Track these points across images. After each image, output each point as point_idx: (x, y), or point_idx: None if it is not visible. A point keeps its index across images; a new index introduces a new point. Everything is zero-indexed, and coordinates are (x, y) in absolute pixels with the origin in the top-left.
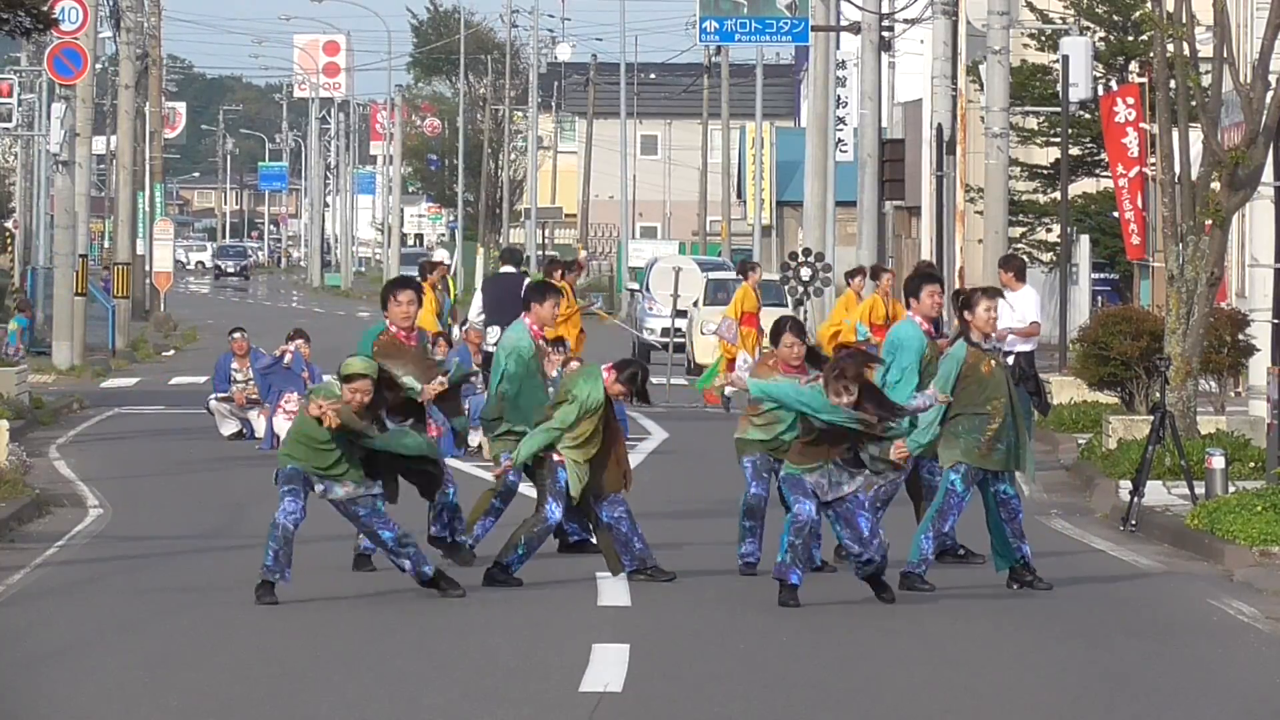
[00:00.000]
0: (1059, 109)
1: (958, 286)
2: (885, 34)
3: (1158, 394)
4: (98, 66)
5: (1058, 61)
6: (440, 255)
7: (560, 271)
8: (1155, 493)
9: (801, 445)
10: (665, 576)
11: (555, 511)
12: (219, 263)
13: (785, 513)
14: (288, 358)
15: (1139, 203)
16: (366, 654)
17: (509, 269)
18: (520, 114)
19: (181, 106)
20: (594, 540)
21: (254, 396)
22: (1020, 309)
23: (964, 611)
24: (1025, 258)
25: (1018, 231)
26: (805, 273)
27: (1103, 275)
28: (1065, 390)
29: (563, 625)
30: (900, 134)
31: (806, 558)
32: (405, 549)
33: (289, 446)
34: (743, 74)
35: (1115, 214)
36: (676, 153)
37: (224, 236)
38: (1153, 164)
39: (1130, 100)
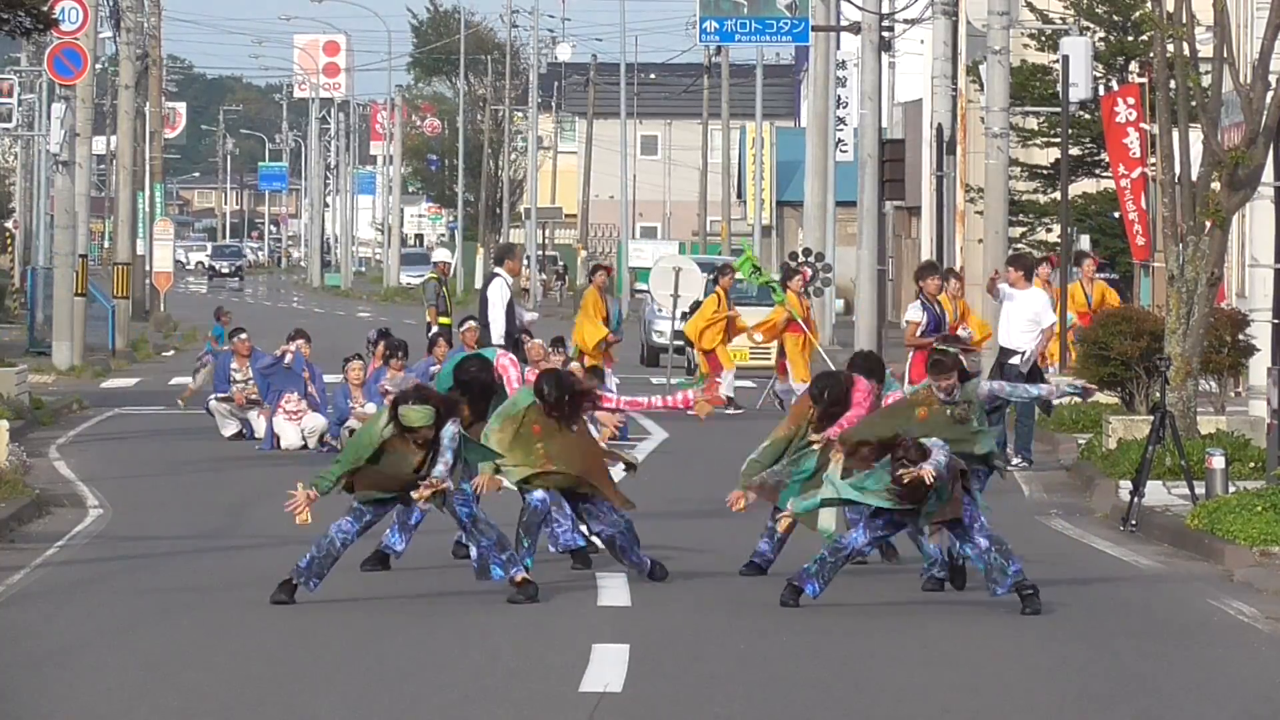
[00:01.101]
0: (1059, 109)
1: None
2: (885, 34)
3: (1158, 394)
4: (98, 66)
5: (1058, 61)
6: (441, 255)
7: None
8: (1155, 493)
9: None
10: (660, 574)
11: (535, 494)
12: (213, 263)
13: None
14: (288, 358)
15: (1141, 203)
16: (366, 654)
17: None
18: (520, 114)
19: (181, 106)
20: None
21: (254, 397)
22: (1032, 309)
23: (964, 612)
24: (1029, 256)
25: (1018, 231)
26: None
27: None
28: None
29: (563, 625)
30: (900, 134)
31: (830, 578)
32: (482, 535)
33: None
34: (743, 74)
35: (1115, 214)
36: (676, 153)
37: (224, 237)
38: (1153, 164)
39: (1130, 100)
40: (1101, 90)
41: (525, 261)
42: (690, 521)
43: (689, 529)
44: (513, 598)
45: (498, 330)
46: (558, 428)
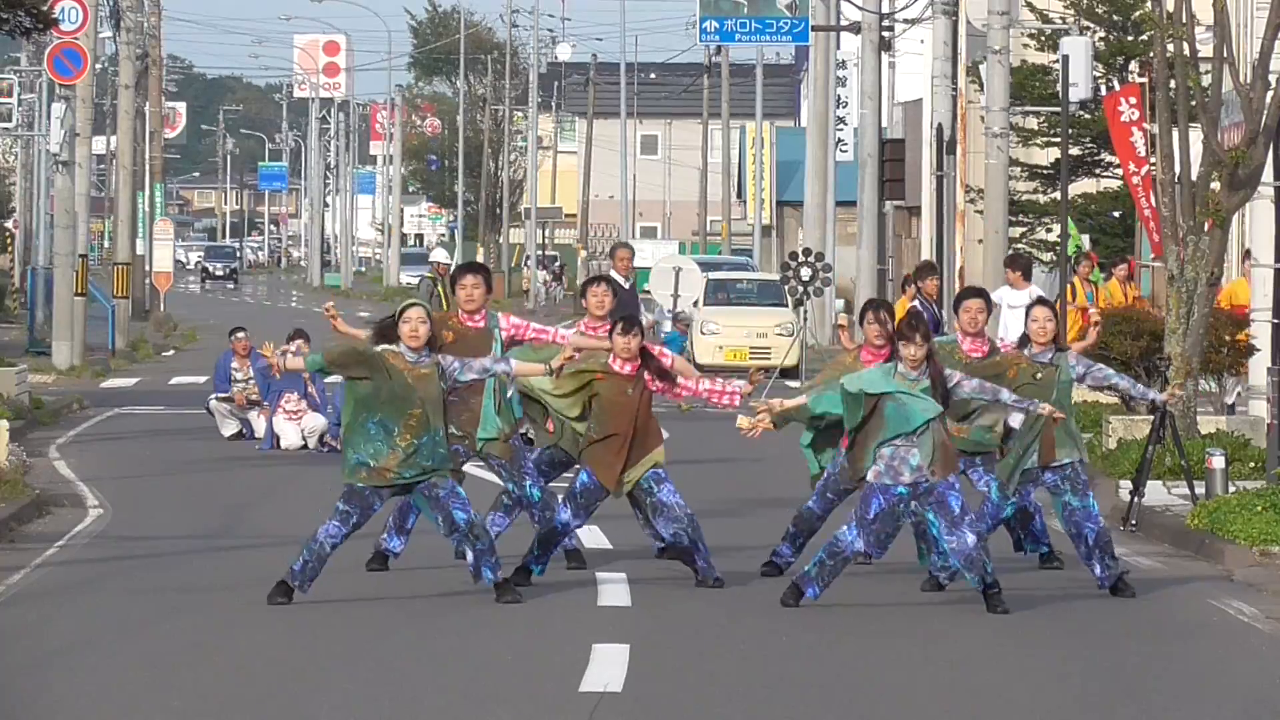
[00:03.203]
0: (1059, 109)
1: (958, 288)
2: (885, 34)
3: None
4: (98, 66)
5: (1058, 61)
6: (439, 256)
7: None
8: (1155, 493)
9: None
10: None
11: (563, 514)
12: (206, 264)
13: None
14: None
15: (1152, 200)
16: (366, 654)
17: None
18: (520, 114)
19: (181, 106)
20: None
21: (254, 397)
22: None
23: (964, 612)
24: (1029, 257)
25: (1018, 231)
26: (805, 273)
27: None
28: None
29: (563, 625)
30: (900, 134)
31: (830, 580)
32: (477, 539)
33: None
34: (743, 74)
35: (1116, 214)
36: (676, 153)
37: (224, 236)
38: (1153, 164)
39: (1133, 100)
40: (1103, 90)
41: (534, 263)
42: None
43: None
44: (500, 598)
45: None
46: None
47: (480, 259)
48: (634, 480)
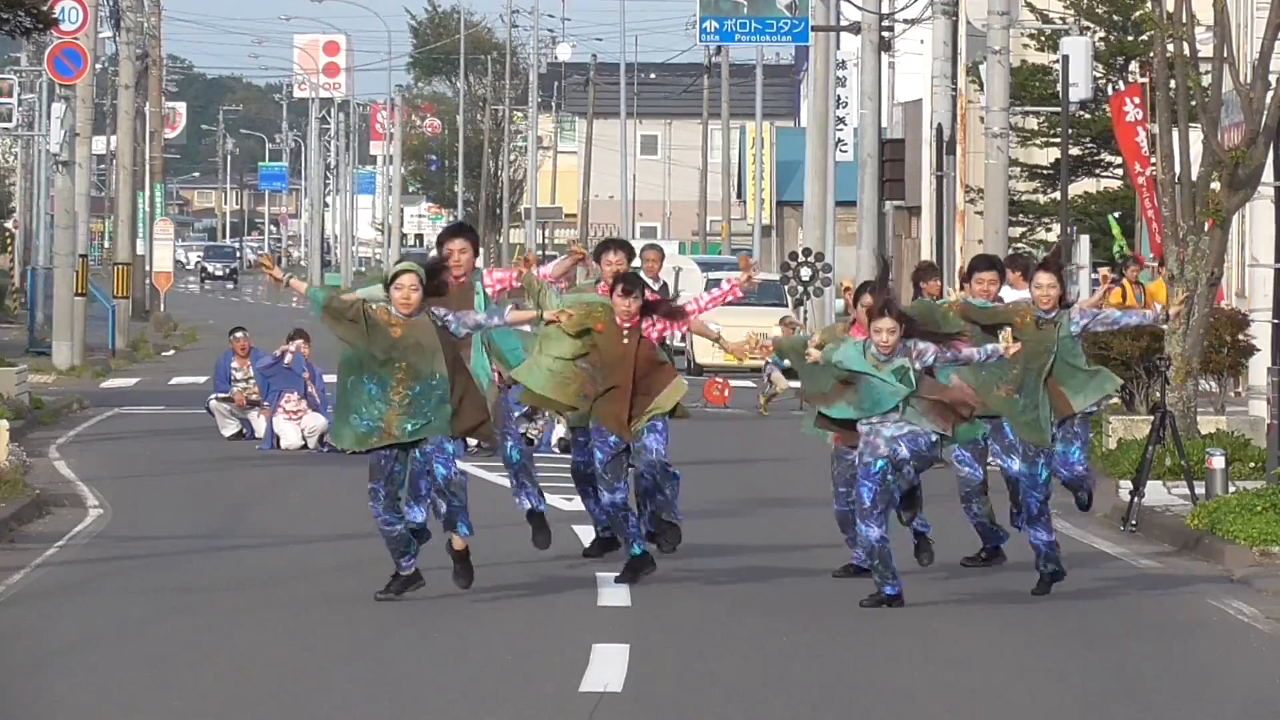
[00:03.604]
0: (1059, 109)
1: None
2: (885, 34)
3: (1158, 394)
4: (98, 66)
5: (1058, 61)
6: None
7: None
8: (1155, 493)
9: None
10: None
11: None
12: (205, 264)
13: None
14: (288, 358)
15: (1155, 200)
16: (366, 654)
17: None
18: (520, 114)
19: (181, 106)
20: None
21: (254, 397)
22: None
23: (965, 612)
24: (1029, 258)
25: (1018, 231)
26: (805, 273)
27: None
28: None
29: (563, 625)
30: (900, 134)
31: (893, 571)
32: (454, 495)
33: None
34: (743, 74)
35: (1116, 214)
36: (676, 153)
37: (224, 236)
38: (1154, 164)
39: (1137, 100)
40: (1110, 90)
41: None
42: (689, 522)
43: (689, 529)
44: (456, 578)
45: None
46: None
47: (479, 259)
48: (640, 429)
